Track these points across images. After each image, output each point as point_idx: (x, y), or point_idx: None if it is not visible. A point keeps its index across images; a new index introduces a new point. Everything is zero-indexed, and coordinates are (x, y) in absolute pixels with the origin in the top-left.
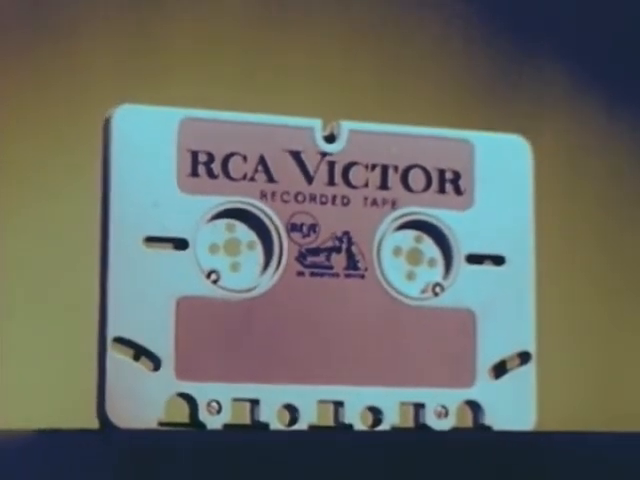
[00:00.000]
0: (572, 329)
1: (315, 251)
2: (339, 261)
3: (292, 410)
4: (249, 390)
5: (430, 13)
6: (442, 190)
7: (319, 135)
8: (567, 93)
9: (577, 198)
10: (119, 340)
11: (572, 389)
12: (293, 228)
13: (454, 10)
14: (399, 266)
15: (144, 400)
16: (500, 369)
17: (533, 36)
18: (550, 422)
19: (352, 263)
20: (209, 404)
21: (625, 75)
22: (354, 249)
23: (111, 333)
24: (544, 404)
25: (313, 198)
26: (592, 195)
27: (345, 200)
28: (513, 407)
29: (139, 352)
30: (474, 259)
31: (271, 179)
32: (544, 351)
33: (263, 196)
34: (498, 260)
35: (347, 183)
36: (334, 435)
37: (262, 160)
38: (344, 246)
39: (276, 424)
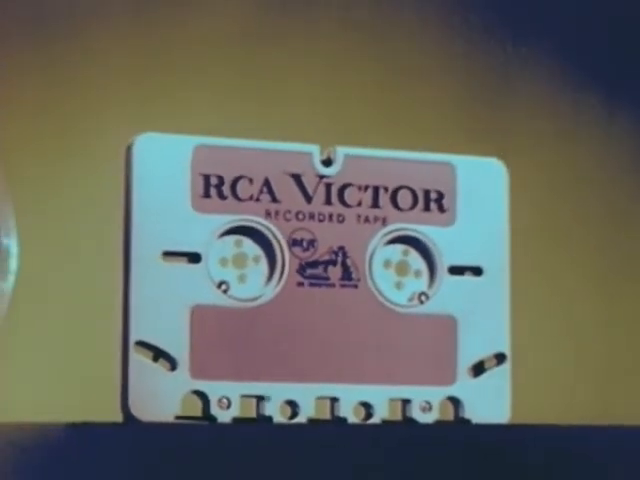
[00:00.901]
0: (546, 331)
1: (314, 264)
2: (335, 273)
3: (293, 405)
4: (255, 388)
5: (420, 48)
6: (427, 208)
7: (317, 159)
8: (542, 117)
9: (551, 213)
10: (140, 343)
11: (546, 386)
12: (294, 243)
13: (436, 43)
14: (388, 277)
15: (162, 397)
16: (478, 369)
17: (508, 63)
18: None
19: (347, 274)
20: (220, 400)
21: (596, 100)
22: (348, 262)
23: (133, 337)
24: (521, 399)
25: (312, 216)
26: (565, 210)
27: (340, 218)
28: (490, 402)
29: (158, 354)
30: (455, 270)
31: (274, 199)
32: (521, 351)
33: (267, 215)
34: (477, 271)
35: (342, 202)
36: (330, 428)
37: (266, 182)
38: (339, 259)
39: (279, 418)
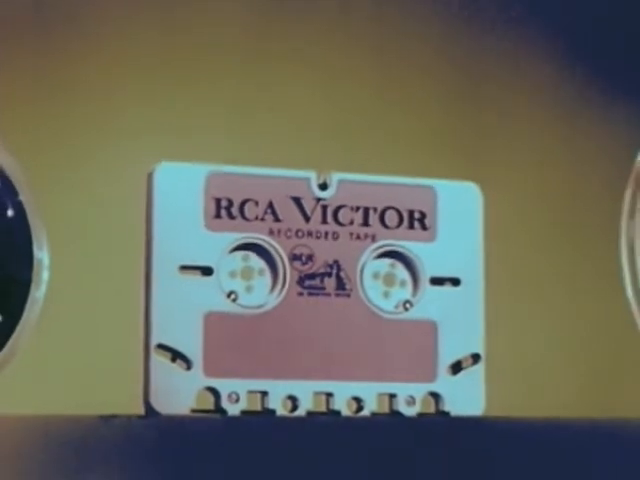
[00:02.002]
0: (516, 334)
1: (312, 276)
2: (330, 283)
3: (293, 400)
4: (260, 384)
5: (405, 82)
6: (411, 227)
7: (314, 184)
8: (515, 145)
9: (522, 231)
10: (160, 346)
11: (517, 383)
12: (294, 258)
13: (419, 77)
14: (377, 287)
15: (179, 392)
16: (456, 367)
17: (485, 94)
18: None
19: (340, 285)
20: (229, 395)
21: (569, 129)
22: (342, 274)
23: (154, 341)
24: (494, 394)
25: (310, 234)
26: (535, 227)
27: (335, 235)
28: (466, 397)
29: (175, 355)
30: (436, 281)
31: (277, 219)
32: (494, 352)
33: (271, 233)
34: (455, 282)
35: (337, 222)
36: (326, 419)
37: (270, 204)
38: (334, 272)
39: (281, 410)
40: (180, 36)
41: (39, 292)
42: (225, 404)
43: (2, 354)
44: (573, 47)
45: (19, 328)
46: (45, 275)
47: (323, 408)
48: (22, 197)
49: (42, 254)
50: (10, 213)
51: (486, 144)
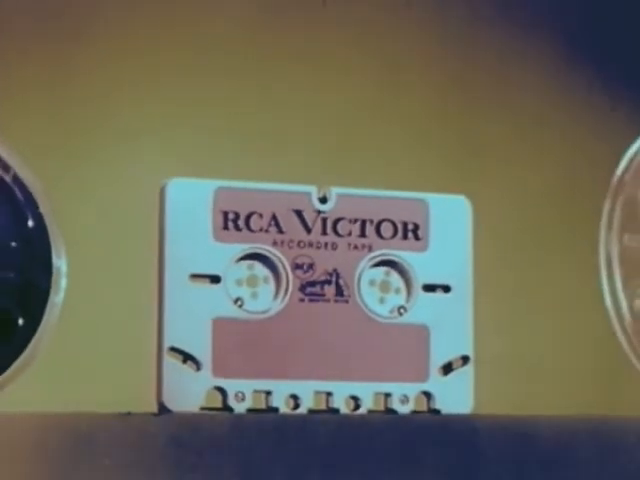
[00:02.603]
0: (503, 337)
1: (312, 283)
2: (330, 291)
3: (295, 398)
4: (265, 384)
5: (396, 101)
6: (405, 237)
7: (315, 198)
8: (504, 159)
9: (509, 241)
10: (172, 349)
11: (503, 383)
12: (296, 267)
13: (411, 95)
14: (373, 293)
15: (190, 391)
16: (447, 368)
17: (476, 110)
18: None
19: (339, 292)
20: (236, 394)
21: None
22: (341, 282)
23: (166, 344)
24: (482, 394)
25: (311, 244)
26: (521, 238)
27: (334, 245)
28: (456, 396)
29: (186, 357)
30: (428, 288)
31: (280, 231)
32: (482, 354)
33: (274, 243)
34: (446, 289)
35: (336, 233)
36: (326, 417)
37: (274, 217)
38: (333, 279)
39: (284, 409)
40: (192, 58)
41: (58, 298)
42: (232, 403)
43: (24, 356)
44: (561, 66)
45: (39, 331)
46: (63, 282)
47: (323, 406)
48: (42, 209)
49: (60, 262)
50: (31, 224)
51: (475, 160)
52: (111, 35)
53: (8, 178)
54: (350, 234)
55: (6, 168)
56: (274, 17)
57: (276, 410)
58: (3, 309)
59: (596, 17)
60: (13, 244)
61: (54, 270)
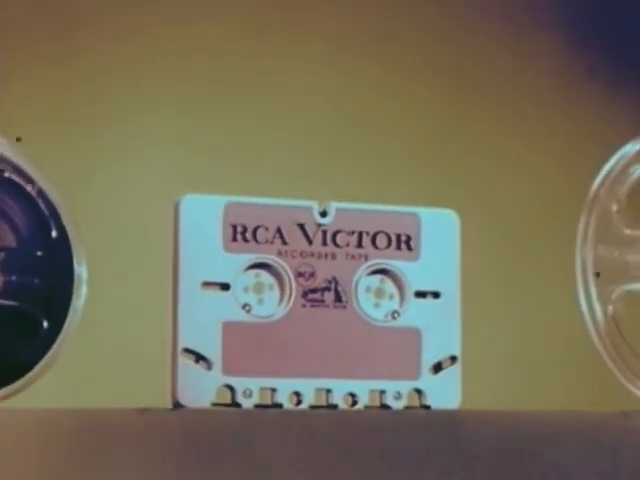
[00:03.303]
0: (489, 339)
1: (314, 290)
2: (329, 297)
3: (298, 395)
4: (270, 382)
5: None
6: (399, 248)
7: (316, 212)
8: (491, 173)
9: (495, 251)
10: (186, 350)
11: (489, 381)
12: (299, 275)
13: (402, 115)
14: (369, 299)
15: (201, 389)
16: (437, 367)
17: (463, 128)
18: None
19: (338, 298)
20: (244, 391)
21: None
22: (339, 289)
23: (181, 345)
24: (469, 391)
25: (312, 255)
26: (506, 249)
27: (334, 255)
28: (445, 393)
29: (198, 358)
30: (420, 294)
31: (284, 242)
32: (469, 355)
33: (279, 254)
34: (436, 295)
35: (335, 244)
36: (326, 412)
37: (278, 229)
38: (333, 287)
39: (288, 404)
40: (204, 85)
41: (79, 302)
42: (240, 399)
43: (48, 355)
44: (544, 87)
45: (62, 333)
46: (84, 288)
47: (323, 402)
48: (64, 220)
49: (82, 270)
50: (54, 234)
51: (463, 178)
52: (133, 65)
53: (33, 192)
54: (348, 245)
55: (31, 183)
56: (276, 46)
57: (280, 406)
58: (29, 313)
59: (581, 37)
60: (38, 253)
61: (76, 277)
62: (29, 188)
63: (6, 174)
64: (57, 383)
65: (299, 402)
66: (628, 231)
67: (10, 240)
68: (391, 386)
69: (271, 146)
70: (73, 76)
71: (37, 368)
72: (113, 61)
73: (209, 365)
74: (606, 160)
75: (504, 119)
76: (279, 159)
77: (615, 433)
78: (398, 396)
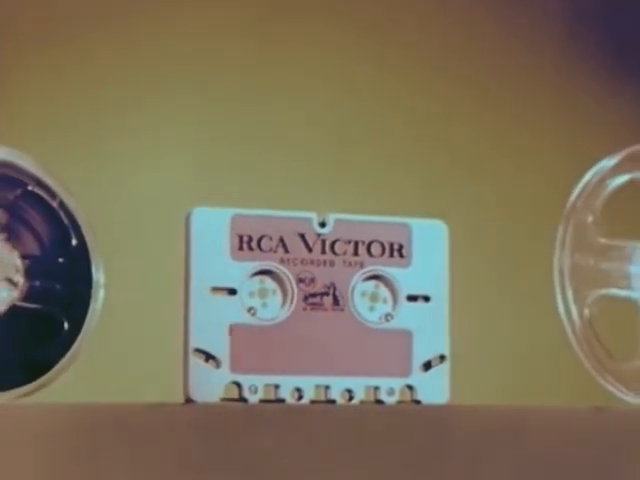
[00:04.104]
0: (475, 340)
1: (313, 295)
2: (328, 301)
3: (299, 391)
4: (274, 379)
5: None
6: (392, 255)
7: (315, 223)
8: (477, 186)
9: (480, 258)
10: (196, 350)
11: (475, 378)
12: (300, 281)
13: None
14: (365, 303)
15: (211, 385)
16: (427, 365)
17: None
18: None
19: (336, 302)
20: (250, 387)
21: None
22: (337, 293)
23: (192, 345)
24: (456, 387)
25: (312, 262)
26: (491, 256)
27: (332, 263)
28: (435, 389)
29: (208, 357)
30: (411, 298)
31: (286, 251)
32: (456, 354)
33: (282, 261)
34: (426, 299)
35: (333, 252)
36: (325, 406)
37: (281, 239)
38: (331, 291)
39: (290, 400)
40: (211, 108)
41: (97, 305)
42: (246, 394)
43: (69, 354)
44: (528, 103)
45: (82, 334)
46: (102, 292)
47: (322, 397)
48: (83, 230)
49: (99, 275)
50: (74, 243)
51: (451, 191)
52: (148, 83)
53: (55, 205)
54: (345, 253)
55: (53, 196)
56: (277, 63)
57: (283, 401)
58: (51, 315)
59: (567, 56)
60: (60, 260)
61: (94, 282)
62: (51, 201)
63: (30, 187)
64: (77, 380)
65: (300, 397)
66: (603, 240)
67: (34, 248)
68: (385, 383)
69: (274, 163)
70: (89, 93)
71: (58, 366)
72: (127, 78)
73: (218, 364)
74: (583, 174)
75: (488, 136)
76: (281, 175)
77: (588, 426)
78: (391, 392)
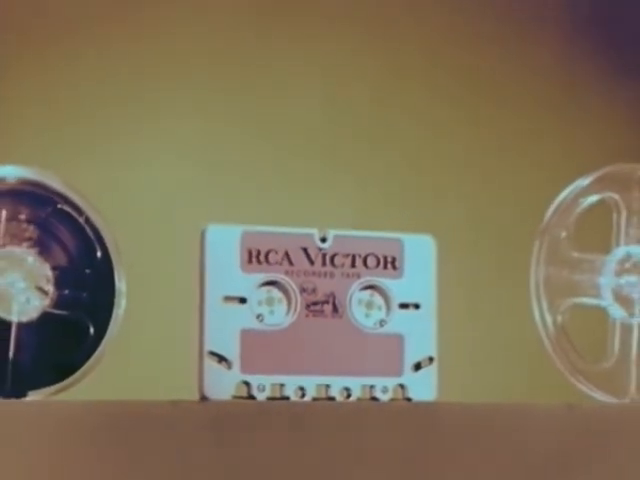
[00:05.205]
0: (461, 344)
1: (315, 303)
2: (328, 308)
3: (302, 389)
4: (279, 379)
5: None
6: (385, 267)
7: (317, 238)
8: (461, 205)
9: (466, 269)
10: (210, 352)
11: (460, 378)
12: (303, 290)
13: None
14: (361, 310)
15: (223, 384)
16: (417, 366)
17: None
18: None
19: (335, 310)
20: (258, 386)
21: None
22: (336, 302)
23: (206, 348)
24: (444, 386)
25: (314, 273)
26: (477, 267)
27: (332, 274)
28: (424, 387)
29: (221, 359)
30: (403, 306)
31: (291, 263)
32: (443, 356)
33: (287, 273)
34: (417, 306)
35: (333, 265)
36: (325, 403)
37: (286, 253)
38: (331, 300)
39: (294, 397)
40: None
41: (119, 312)
42: (255, 393)
43: (94, 356)
44: (511, 126)
45: (106, 338)
46: (124, 301)
47: (323, 395)
48: (108, 244)
49: (122, 285)
50: (99, 255)
51: (439, 210)
52: (165, 108)
53: (82, 221)
54: (343, 265)
55: (80, 213)
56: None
57: (288, 398)
58: (78, 321)
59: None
60: (87, 271)
61: (117, 291)
62: (78, 217)
63: (59, 205)
64: (101, 379)
65: (303, 395)
66: (575, 254)
67: (63, 260)
68: (379, 382)
69: (279, 186)
70: (104, 112)
71: (85, 367)
72: (144, 99)
73: (229, 365)
74: (556, 195)
75: (473, 161)
76: (286, 196)
77: (560, 421)
78: (385, 390)
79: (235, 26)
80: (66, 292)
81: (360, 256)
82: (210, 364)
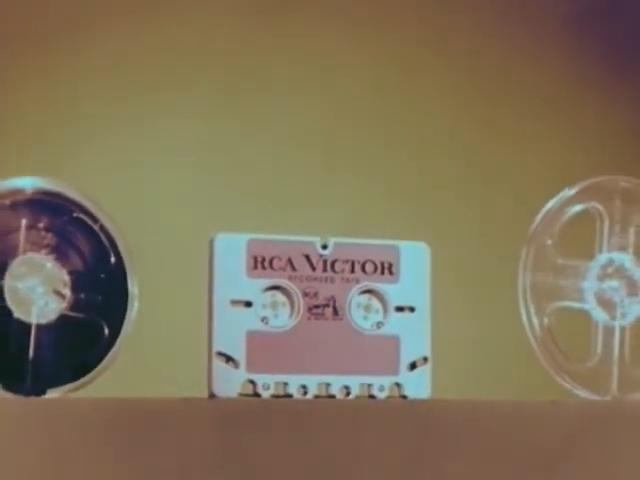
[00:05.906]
0: (453, 345)
1: (317, 306)
2: (329, 312)
3: (304, 388)
4: (283, 377)
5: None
6: (383, 273)
7: (318, 245)
8: (454, 213)
9: (458, 273)
10: (218, 353)
11: (453, 376)
12: (305, 295)
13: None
14: (360, 313)
15: (230, 382)
16: (413, 365)
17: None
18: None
19: (335, 313)
20: (263, 385)
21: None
22: (337, 305)
23: (214, 349)
24: (437, 384)
25: (315, 279)
26: (469, 273)
27: (332, 279)
28: (419, 386)
29: (228, 359)
30: (399, 309)
31: (294, 269)
32: (437, 356)
33: (290, 278)
34: (412, 309)
35: (333, 270)
36: (326, 401)
37: (289, 260)
38: (331, 304)
39: (296, 395)
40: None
41: (132, 315)
42: (260, 391)
43: (108, 356)
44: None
45: (120, 339)
46: (136, 304)
47: (324, 393)
48: (121, 250)
49: (134, 289)
50: (113, 261)
51: (433, 218)
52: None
53: (97, 228)
54: (343, 271)
55: (95, 221)
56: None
57: (291, 396)
58: (94, 323)
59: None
60: (101, 275)
61: (130, 294)
62: (93, 225)
63: (75, 214)
64: (116, 378)
65: (305, 393)
66: (560, 260)
67: (79, 266)
68: (376, 380)
69: (283, 196)
70: (106, 114)
71: (100, 366)
72: (144, 99)
73: (236, 365)
74: (543, 205)
75: (464, 171)
76: (289, 206)
77: (544, 416)
78: (382, 388)
79: (235, 26)
80: (82, 295)
81: (359, 262)
82: (218, 364)
